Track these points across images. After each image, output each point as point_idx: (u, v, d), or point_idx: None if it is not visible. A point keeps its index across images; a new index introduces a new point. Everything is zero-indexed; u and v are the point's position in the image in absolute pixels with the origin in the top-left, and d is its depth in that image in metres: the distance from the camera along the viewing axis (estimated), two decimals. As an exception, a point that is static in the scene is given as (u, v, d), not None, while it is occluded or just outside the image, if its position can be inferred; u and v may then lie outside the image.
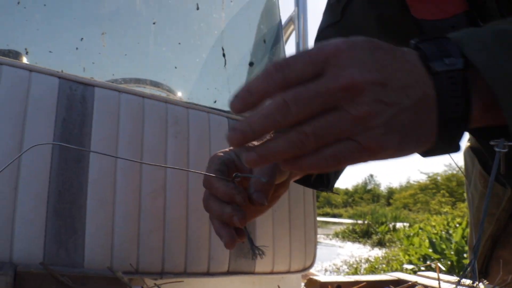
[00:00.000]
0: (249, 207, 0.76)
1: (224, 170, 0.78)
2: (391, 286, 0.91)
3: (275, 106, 0.52)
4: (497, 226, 1.15)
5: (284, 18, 1.71)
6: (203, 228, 1.04)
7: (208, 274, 1.05)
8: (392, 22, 1.01)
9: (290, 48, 1.71)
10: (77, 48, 1.22)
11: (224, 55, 1.40)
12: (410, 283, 0.93)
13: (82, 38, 1.23)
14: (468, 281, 0.90)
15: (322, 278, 0.96)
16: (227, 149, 0.85)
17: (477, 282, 0.42)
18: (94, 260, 0.90)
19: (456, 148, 0.57)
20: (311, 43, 1.65)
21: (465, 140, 1.32)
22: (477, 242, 0.40)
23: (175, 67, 1.39)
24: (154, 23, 1.35)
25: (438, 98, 0.54)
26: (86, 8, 1.33)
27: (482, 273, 1.19)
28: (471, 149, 1.26)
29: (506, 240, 1.17)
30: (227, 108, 1.25)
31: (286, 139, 0.53)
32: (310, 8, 1.52)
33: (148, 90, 1.34)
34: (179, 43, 1.40)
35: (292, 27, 1.79)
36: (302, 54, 0.53)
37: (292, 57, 0.53)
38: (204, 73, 1.44)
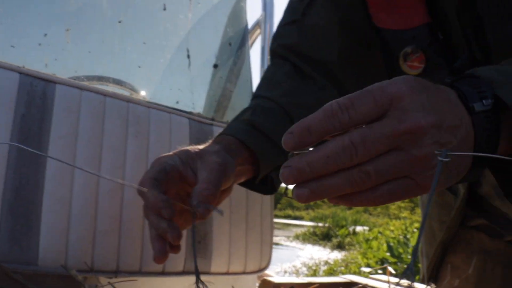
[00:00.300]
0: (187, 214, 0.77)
1: (160, 179, 0.79)
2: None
3: (341, 147, 0.53)
4: (447, 234, 1.19)
5: (251, 22, 1.73)
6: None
7: (163, 273, 1.05)
8: (354, 27, 1.04)
9: (255, 52, 1.73)
10: (40, 44, 1.21)
11: (188, 56, 1.41)
12: (360, 285, 0.96)
13: (45, 34, 1.22)
14: (421, 286, 0.93)
15: (276, 279, 0.98)
16: (171, 153, 0.85)
17: (412, 283, 0.45)
18: (48, 258, 0.90)
19: (476, 177, 0.61)
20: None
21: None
22: (417, 245, 0.43)
23: (139, 67, 1.39)
24: (119, 22, 1.34)
25: (475, 135, 0.58)
26: (51, 4, 1.32)
27: (433, 278, 1.22)
28: None
29: (456, 247, 1.20)
30: (189, 109, 1.26)
31: (346, 178, 0.54)
32: (277, 13, 1.54)
33: (111, 88, 1.34)
34: (144, 43, 1.39)
35: (258, 31, 1.81)
36: (366, 95, 0.55)
37: (356, 98, 0.54)
38: (168, 73, 1.44)
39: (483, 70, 0.64)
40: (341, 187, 0.54)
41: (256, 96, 1.07)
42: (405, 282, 0.96)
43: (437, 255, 1.21)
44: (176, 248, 0.80)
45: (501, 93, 0.59)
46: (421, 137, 0.54)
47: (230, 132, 0.93)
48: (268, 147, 0.93)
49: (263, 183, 1.02)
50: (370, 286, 0.95)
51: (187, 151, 0.85)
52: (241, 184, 1.00)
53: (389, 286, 0.92)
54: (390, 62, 0.98)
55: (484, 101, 0.59)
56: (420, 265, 1.37)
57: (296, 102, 1.02)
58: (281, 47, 1.12)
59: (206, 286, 0.71)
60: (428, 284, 0.93)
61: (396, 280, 0.98)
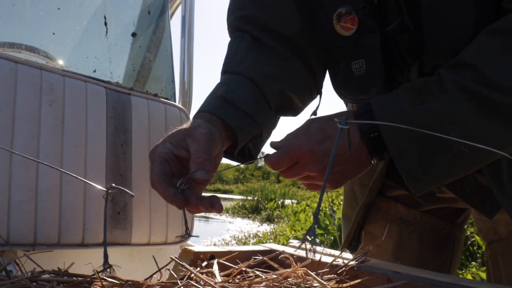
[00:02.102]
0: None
1: (165, 171, 0.89)
2: (259, 255, 0.96)
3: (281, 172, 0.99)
4: (369, 196, 1.25)
5: (171, -10, 1.71)
6: (77, 198, 1.04)
7: (82, 245, 1.05)
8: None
9: (175, 22, 1.71)
10: None
11: (106, 23, 1.38)
12: (277, 252, 0.99)
13: (-51, -4, 1.16)
14: (336, 252, 0.97)
15: (196, 248, 1.00)
16: (161, 140, 0.93)
17: (313, 246, 0.48)
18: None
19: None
20: (197, 17, 1.66)
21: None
22: (319, 204, 0.46)
23: (53, 33, 1.35)
24: (32, -14, 1.30)
25: (369, 151, 0.93)
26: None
27: (355, 240, 1.28)
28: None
29: (375, 216, 1.27)
30: (106, 78, 1.25)
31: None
32: (200, -19, 1.53)
33: (24, 55, 1.29)
34: (58, 8, 1.35)
35: (178, 0, 1.79)
36: (285, 156, 0.95)
37: (280, 158, 0.95)
38: (84, 41, 1.41)
39: (379, 108, 0.90)
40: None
41: (225, 72, 1.10)
42: (320, 248, 1.01)
43: (359, 217, 1.27)
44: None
45: (382, 133, 0.88)
46: (317, 175, 0.96)
47: (208, 109, 1.00)
48: (244, 120, 1.02)
49: (241, 154, 1.09)
50: (287, 253, 0.98)
51: (175, 134, 0.94)
52: (224, 155, 1.07)
53: (306, 253, 0.95)
54: (326, 22, 1.02)
55: (372, 135, 0.90)
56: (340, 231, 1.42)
57: (262, 73, 1.06)
58: (238, 20, 1.13)
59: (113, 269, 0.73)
60: (343, 251, 0.98)
61: (319, 248, 1.02)
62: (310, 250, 0.93)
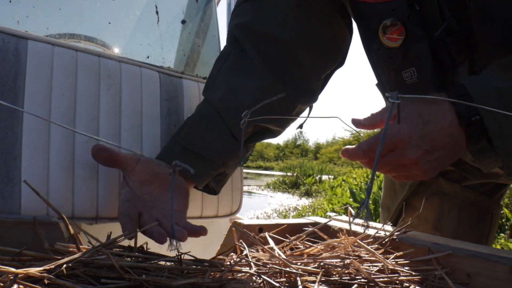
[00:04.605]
0: None
1: (131, 211, 0.86)
2: (310, 226, 0.96)
3: (367, 165, 0.91)
4: (409, 191, 1.22)
5: (218, -20, 1.69)
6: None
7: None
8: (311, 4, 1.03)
9: (221, 9, 1.70)
10: (10, 1, 1.16)
11: (157, 12, 1.38)
12: (323, 223, 0.98)
13: (15, -8, 1.17)
14: (378, 225, 0.95)
15: (246, 221, 1.00)
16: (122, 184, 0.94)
17: (368, 222, 0.47)
18: (30, 207, 0.89)
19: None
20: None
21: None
22: (371, 182, 0.44)
23: (109, 23, 1.35)
24: (88, -20, 1.30)
25: (467, 139, 0.84)
26: (21, -40, 1.26)
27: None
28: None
29: (417, 189, 1.23)
30: (159, 64, 1.24)
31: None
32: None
33: (83, 44, 1.30)
34: (113, 0, 1.36)
35: (224, -12, 1.78)
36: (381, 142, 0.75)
37: (374, 144, 0.86)
38: (138, 29, 1.41)
39: (473, 87, 0.82)
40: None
41: (203, 96, 1.07)
42: (360, 221, 0.99)
43: (398, 210, 1.24)
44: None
45: (483, 115, 0.80)
46: (415, 164, 0.85)
47: (167, 159, 0.99)
48: (201, 164, 0.99)
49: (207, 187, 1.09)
50: (331, 225, 0.97)
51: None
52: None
53: (349, 225, 0.94)
54: (367, 35, 0.96)
55: (472, 118, 0.82)
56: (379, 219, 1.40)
57: (233, 107, 1.00)
58: (237, 28, 1.07)
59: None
60: (385, 223, 0.96)
61: (356, 221, 1.00)
62: (363, 224, 0.92)
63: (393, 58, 0.94)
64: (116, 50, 1.39)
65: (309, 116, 1.06)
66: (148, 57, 1.35)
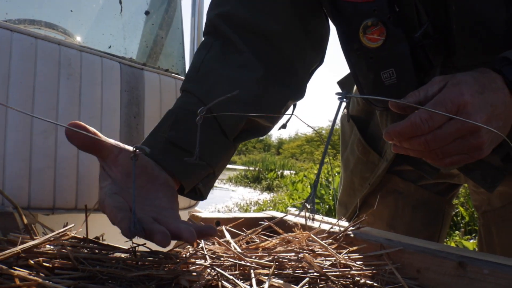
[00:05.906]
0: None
1: (123, 206, 0.73)
2: (266, 220, 0.97)
3: (423, 142, 0.77)
4: (369, 190, 1.24)
5: (182, -29, 1.68)
6: (93, 167, 1.03)
7: (99, 210, 1.05)
8: None
9: (186, 1, 1.69)
10: (-33, -16, 1.13)
11: (120, 2, 1.36)
12: (279, 217, 0.99)
13: (-27, -26, 1.14)
14: (334, 220, 0.97)
15: (204, 214, 1.00)
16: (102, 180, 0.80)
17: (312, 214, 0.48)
18: (-16, 196, 0.88)
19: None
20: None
21: (342, 109, 1.36)
22: (317, 176, 0.45)
23: (71, 11, 1.33)
24: (50, -35, 1.27)
25: None
26: None
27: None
28: (351, 118, 1.30)
29: (375, 188, 1.25)
30: (121, 54, 1.23)
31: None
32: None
33: (43, 31, 1.28)
34: (76, -13, 1.34)
35: (189, -20, 1.76)
36: (440, 107, 0.74)
37: (433, 114, 0.74)
38: (100, 18, 1.39)
39: None
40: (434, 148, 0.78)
41: (184, 89, 0.96)
42: (319, 217, 1.01)
43: (356, 208, 1.26)
44: None
45: None
46: (477, 131, 0.76)
47: (152, 155, 0.85)
48: (191, 165, 0.85)
49: (193, 191, 0.95)
50: (288, 220, 0.99)
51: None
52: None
53: (305, 220, 0.96)
54: (349, 34, 0.95)
55: None
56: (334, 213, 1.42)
57: (222, 98, 0.84)
58: (218, 18, 1.00)
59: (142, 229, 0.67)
60: (340, 219, 0.98)
61: (317, 216, 1.02)
62: (308, 217, 0.93)
63: (372, 59, 0.93)
64: (78, 39, 1.37)
65: (274, 115, 1.01)
66: (110, 47, 1.33)
